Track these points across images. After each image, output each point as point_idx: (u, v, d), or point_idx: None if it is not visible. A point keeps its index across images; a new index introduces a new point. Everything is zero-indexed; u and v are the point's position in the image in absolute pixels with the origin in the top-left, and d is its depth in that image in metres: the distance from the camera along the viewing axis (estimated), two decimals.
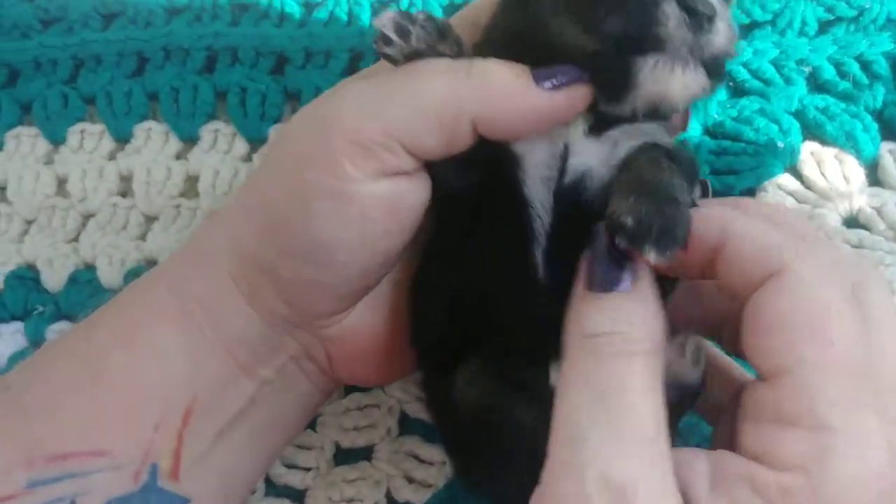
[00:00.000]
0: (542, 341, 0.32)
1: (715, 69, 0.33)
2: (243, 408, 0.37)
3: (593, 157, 0.34)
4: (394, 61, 0.33)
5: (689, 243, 0.30)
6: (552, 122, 0.33)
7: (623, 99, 0.33)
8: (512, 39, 0.35)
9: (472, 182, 0.35)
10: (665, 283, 0.32)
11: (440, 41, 0.33)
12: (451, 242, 0.36)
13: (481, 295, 0.35)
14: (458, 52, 0.34)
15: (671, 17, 0.31)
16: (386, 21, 0.33)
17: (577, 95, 0.32)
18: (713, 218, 0.31)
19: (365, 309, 0.38)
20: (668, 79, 0.32)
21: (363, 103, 0.32)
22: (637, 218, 0.29)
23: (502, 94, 0.32)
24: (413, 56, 0.33)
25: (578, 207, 0.34)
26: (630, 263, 0.30)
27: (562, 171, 0.34)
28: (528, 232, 0.34)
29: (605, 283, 0.30)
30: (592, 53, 0.32)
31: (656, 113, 0.34)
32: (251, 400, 0.37)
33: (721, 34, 0.32)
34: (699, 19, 0.31)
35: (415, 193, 0.34)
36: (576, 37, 0.32)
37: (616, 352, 0.29)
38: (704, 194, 0.39)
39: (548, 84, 0.32)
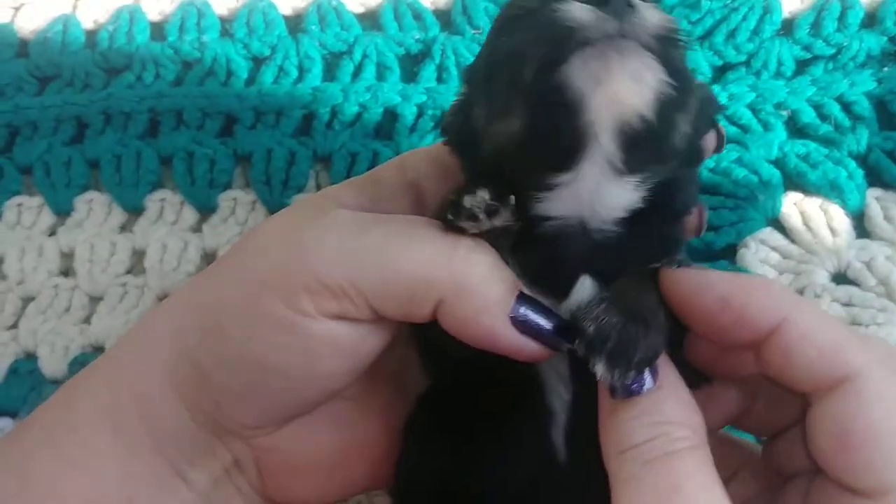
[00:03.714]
0: None
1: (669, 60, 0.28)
2: None
3: None
4: (461, 231, 0.30)
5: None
6: (509, 355, 0.31)
7: (579, 152, 0.28)
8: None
9: (474, 354, 0.31)
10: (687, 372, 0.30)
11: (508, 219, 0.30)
12: (446, 411, 0.33)
13: (482, 476, 0.32)
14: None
15: (578, 11, 0.27)
16: (480, 202, 0.30)
17: (542, 353, 0.30)
18: (776, 297, 0.29)
19: (302, 421, 0.35)
20: (607, 72, 0.27)
21: (342, 249, 0.31)
22: (598, 327, 0.27)
23: (474, 304, 0.30)
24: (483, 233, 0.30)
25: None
26: None
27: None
28: (544, 411, 0.31)
29: (629, 385, 0.28)
30: (526, 130, 0.29)
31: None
32: None
33: (651, 12, 0.28)
34: (615, 4, 0.27)
35: (367, 342, 0.32)
36: (505, 122, 0.29)
37: (661, 454, 0.27)
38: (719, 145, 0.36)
39: (523, 326, 0.30)
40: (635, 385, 0.28)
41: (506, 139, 0.30)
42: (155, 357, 0.34)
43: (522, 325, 0.30)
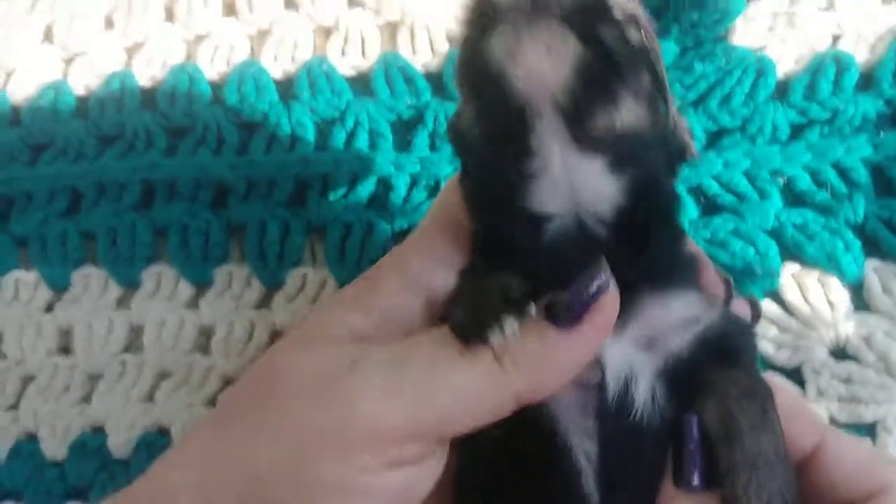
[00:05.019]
0: None
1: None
2: None
3: (629, 356, 0.32)
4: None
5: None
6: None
7: (524, 126, 0.30)
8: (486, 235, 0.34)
9: (499, 426, 0.31)
10: None
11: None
12: (486, 482, 0.33)
13: None
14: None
15: None
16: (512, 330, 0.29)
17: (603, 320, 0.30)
18: (812, 422, 0.32)
19: None
20: (519, 46, 0.29)
21: (390, 392, 0.29)
22: None
23: (549, 372, 0.30)
24: None
25: (626, 417, 0.32)
26: None
27: (602, 387, 0.32)
28: (572, 467, 0.32)
29: (698, 480, 0.30)
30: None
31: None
32: None
33: None
34: None
35: (427, 478, 0.32)
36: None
37: None
38: (755, 316, 0.39)
39: (569, 317, 0.30)
40: (698, 482, 0.30)
41: (471, 132, 0.32)
42: None
43: (568, 313, 0.30)
